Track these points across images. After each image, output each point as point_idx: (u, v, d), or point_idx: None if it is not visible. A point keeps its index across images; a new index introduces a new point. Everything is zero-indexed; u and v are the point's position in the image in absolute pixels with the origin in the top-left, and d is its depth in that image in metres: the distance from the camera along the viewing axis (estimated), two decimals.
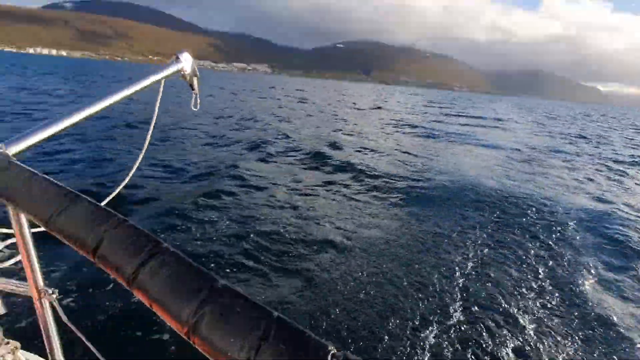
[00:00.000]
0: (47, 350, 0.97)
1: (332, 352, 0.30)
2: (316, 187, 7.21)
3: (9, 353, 0.89)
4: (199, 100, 1.52)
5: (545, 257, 4.89)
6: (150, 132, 1.31)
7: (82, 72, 56.08)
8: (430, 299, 3.73)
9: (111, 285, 3.43)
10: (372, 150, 11.52)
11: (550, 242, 5.37)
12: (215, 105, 21.88)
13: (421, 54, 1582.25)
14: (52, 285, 0.87)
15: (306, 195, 6.69)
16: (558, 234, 5.69)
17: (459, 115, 30.42)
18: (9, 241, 0.86)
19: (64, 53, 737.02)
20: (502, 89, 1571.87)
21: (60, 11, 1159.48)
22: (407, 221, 5.77)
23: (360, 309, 3.48)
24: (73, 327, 0.81)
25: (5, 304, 0.92)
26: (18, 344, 0.90)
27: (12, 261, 0.89)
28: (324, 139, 12.91)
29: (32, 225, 0.80)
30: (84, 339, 0.85)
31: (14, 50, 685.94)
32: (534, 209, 6.67)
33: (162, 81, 1.21)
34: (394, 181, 7.95)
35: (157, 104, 1.29)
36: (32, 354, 1.11)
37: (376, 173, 8.50)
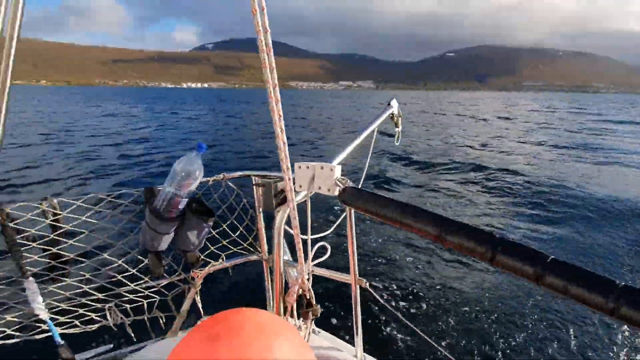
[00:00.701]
0: (354, 328, 1.22)
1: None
2: (460, 193, 7.86)
3: (306, 323, 1.17)
4: (400, 137, 1.89)
5: None
6: (368, 159, 1.69)
7: (225, 99, 67.94)
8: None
9: (397, 280, 4.03)
10: (512, 163, 11.38)
11: None
12: (340, 122, 24.16)
13: (551, 54, 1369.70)
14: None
15: (451, 198, 7.42)
16: None
17: (618, 122, 25.93)
18: (321, 243, 1.17)
19: (206, 85, 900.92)
20: None
21: (204, 52, 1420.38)
22: (564, 235, 5.60)
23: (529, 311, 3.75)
24: (391, 308, 1.29)
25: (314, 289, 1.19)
26: (317, 311, 1.15)
27: (324, 257, 1.21)
28: (454, 150, 13.27)
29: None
30: (400, 315, 1.21)
31: (172, 85, 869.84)
32: None
33: (377, 125, 1.51)
34: (545, 194, 7.82)
35: (373, 142, 1.55)
36: (322, 330, 1.50)
37: (524, 184, 8.50)
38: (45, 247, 1.14)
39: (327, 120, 26.32)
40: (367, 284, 1.19)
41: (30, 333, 1.25)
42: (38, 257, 1.15)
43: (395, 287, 3.95)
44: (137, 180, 8.48)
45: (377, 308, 3.38)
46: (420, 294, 3.81)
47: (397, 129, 1.83)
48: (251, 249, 1.53)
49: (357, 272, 1.18)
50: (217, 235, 1.37)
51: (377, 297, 1.21)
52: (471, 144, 14.77)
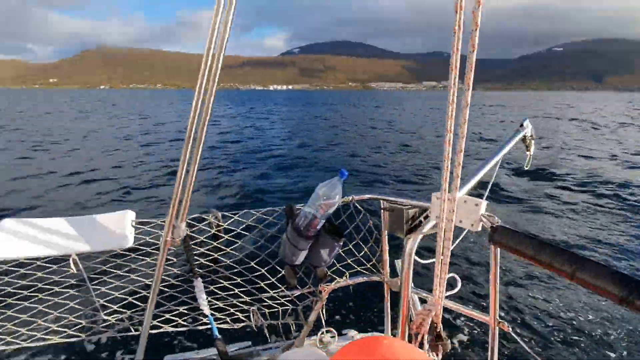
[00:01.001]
0: None
1: None
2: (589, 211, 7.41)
3: (433, 355, 1.11)
4: (531, 161, 1.70)
5: None
6: (491, 182, 1.50)
7: (311, 101, 71.07)
8: None
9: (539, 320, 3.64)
10: None
11: None
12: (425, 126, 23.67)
13: None
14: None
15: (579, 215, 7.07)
16: None
17: None
18: (451, 274, 1.11)
19: (290, 87, 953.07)
20: None
21: (290, 56, 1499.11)
22: None
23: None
24: (530, 350, 1.15)
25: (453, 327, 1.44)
26: (447, 346, 1.10)
27: (455, 290, 1.17)
28: (566, 159, 12.19)
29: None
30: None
31: (260, 88, 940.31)
32: None
33: (507, 150, 1.44)
34: None
35: (498, 166, 1.44)
36: None
37: None
38: (209, 253, 1.34)
39: (419, 122, 26.10)
40: (510, 328, 1.06)
41: (194, 324, 1.46)
42: (204, 261, 1.34)
43: (530, 325, 3.51)
44: (264, 175, 9.93)
45: (511, 349, 3.05)
46: (566, 341, 3.34)
47: (528, 153, 1.64)
48: (373, 269, 1.55)
49: (497, 313, 1.08)
50: (342, 253, 1.40)
51: (521, 342, 1.16)
52: (588, 154, 13.36)
